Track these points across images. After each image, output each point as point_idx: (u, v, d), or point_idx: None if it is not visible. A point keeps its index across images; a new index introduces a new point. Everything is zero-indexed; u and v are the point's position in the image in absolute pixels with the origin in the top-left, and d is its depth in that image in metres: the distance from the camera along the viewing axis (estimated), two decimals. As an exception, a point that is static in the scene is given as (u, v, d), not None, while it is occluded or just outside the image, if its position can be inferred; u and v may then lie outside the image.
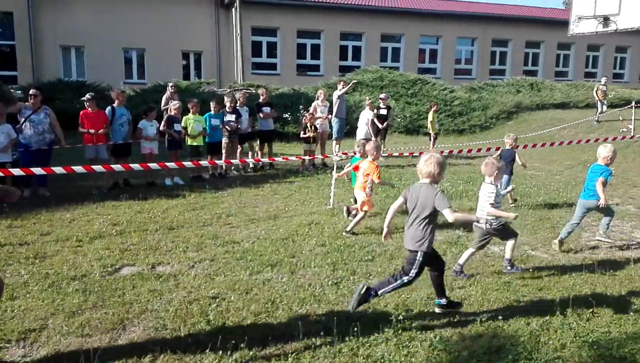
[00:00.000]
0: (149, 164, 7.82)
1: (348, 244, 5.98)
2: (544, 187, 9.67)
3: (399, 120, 19.13)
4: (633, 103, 16.58)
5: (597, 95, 17.82)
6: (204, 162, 9.48)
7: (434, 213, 3.85)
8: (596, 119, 17.64)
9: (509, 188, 6.68)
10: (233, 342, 3.56)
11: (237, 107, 10.94)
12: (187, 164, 8.47)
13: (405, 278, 3.92)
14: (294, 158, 10.05)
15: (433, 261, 4.05)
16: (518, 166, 8.56)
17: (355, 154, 7.36)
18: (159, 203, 8.02)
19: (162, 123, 9.86)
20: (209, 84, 19.75)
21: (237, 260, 5.39)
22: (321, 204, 8.10)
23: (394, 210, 4.15)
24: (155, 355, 3.43)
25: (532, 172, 11.15)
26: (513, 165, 8.36)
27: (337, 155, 8.99)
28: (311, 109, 12.08)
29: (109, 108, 9.23)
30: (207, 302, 4.28)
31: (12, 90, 11.02)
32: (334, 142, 12.24)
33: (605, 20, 10.50)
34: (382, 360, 3.42)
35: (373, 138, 12.13)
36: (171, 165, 7.82)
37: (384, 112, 13.18)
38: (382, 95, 13.75)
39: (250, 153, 11.76)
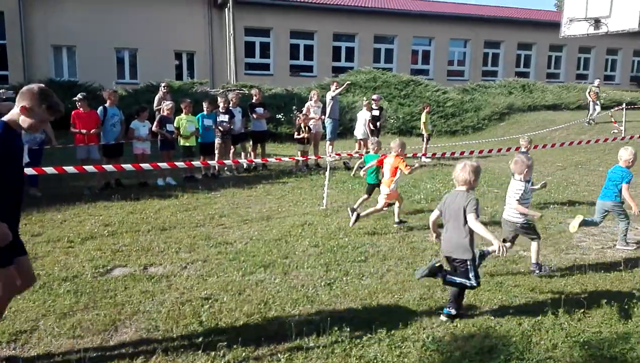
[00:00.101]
0: (141, 164, 7.79)
1: (341, 245, 5.98)
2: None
3: (392, 121, 19.18)
4: (624, 105, 16.74)
5: (589, 96, 17.95)
6: (196, 163, 9.45)
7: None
8: (587, 120, 17.77)
9: (540, 184, 6.27)
10: (226, 343, 3.55)
11: (230, 108, 10.92)
12: (180, 164, 8.44)
13: (469, 283, 3.99)
14: (287, 159, 10.04)
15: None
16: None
17: (369, 151, 7.63)
18: (151, 204, 7.99)
19: (155, 123, 9.82)
20: (201, 84, 19.69)
21: (230, 261, 5.38)
22: (314, 205, 8.10)
23: (433, 222, 4.32)
24: (148, 356, 3.41)
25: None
26: None
27: (330, 155, 9.00)
28: (304, 110, 12.09)
29: (100, 108, 9.18)
30: (200, 303, 4.27)
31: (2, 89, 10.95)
32: (327, 142, 12.26)
33: (597, 22, 10.60)
34: (375, 361, 3.43)
35: (370, 137, 12.35)
36: (163, 165, 7.79)
37: (376, 113, 13.24)
38: (374, 96, 13.80)
39: (243, 153, 11.75)
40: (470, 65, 27.77)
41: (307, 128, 11.38)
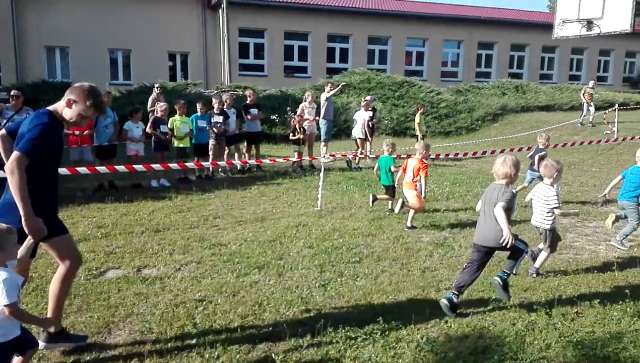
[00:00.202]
0: (135, 166, 7.76)
1: (335, 246, 5.98)
2: (529, 189, 9.73)
3: (386, 122, 19.22)
4: (616, 106, 16.84)
5: (584, 97, 18.02)
6: (190, 164, 9.42)
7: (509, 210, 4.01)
8: (580, 121, 17.86)
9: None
10: (220, 345, 3.55)
11: (225, 109, 10.89)
12: (174, 165, 8.41)
13: (522, 246, 4.14)
14: (281, 160, 10.03)
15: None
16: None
17: (384, 153, 7.75)
18: (145, 206, 7.95)
19: (148, 124, 9.79)
20: (195, 85, 19.65)
21: (224, 262, 5.37)
22: (309, 206, 8.09)
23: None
24: (141, 359, 3.40)
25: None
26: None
27: (324, 156, 9.00)
28: (299, 111, 12.10)
29: (94, 109, 9.12)
30: (194, 305, 4.25)
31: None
32: (322, 143, 12.27)
33: (589, 23, 10.65)
34: (369, 362, 3.43)
35: (369, 137, 12.76)
36: (157, 166, 7.76)
37: (370, 113, 13.23)
38: (367, 97, 13.82)
39: (237, 155, 11.72)
40: (463, 66, 27.86)
41: (301, 129, 11.39)
